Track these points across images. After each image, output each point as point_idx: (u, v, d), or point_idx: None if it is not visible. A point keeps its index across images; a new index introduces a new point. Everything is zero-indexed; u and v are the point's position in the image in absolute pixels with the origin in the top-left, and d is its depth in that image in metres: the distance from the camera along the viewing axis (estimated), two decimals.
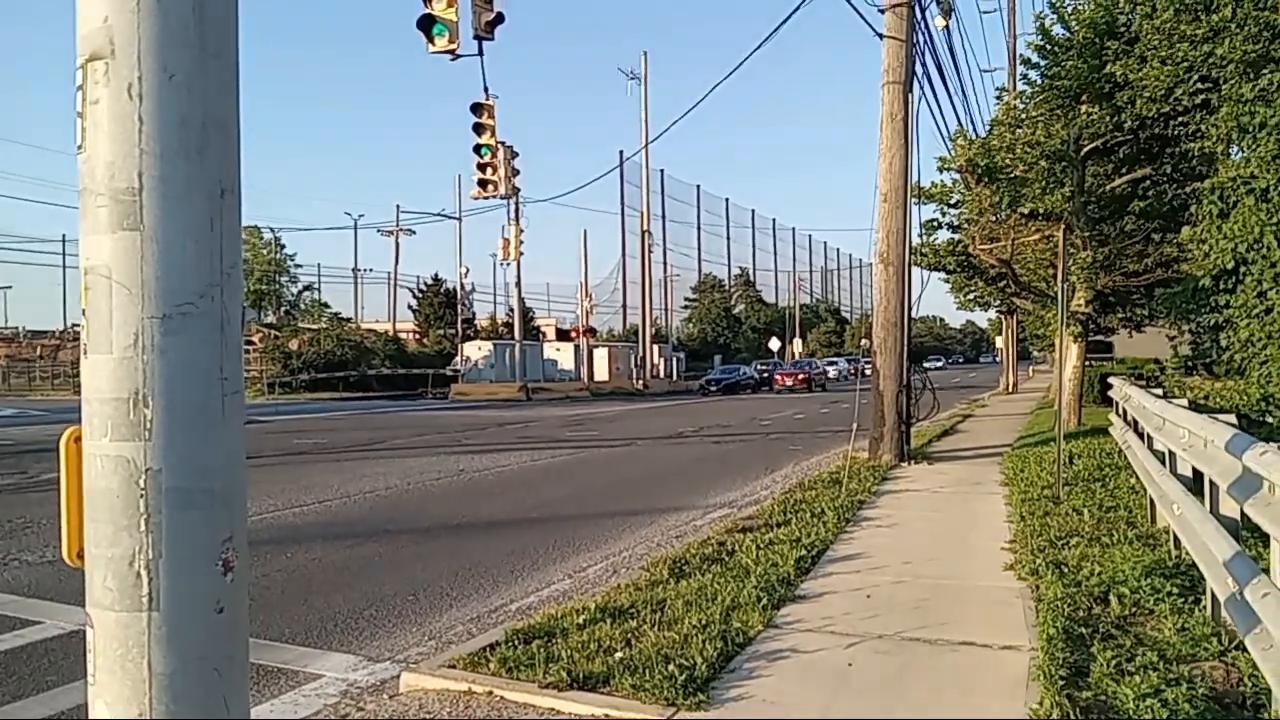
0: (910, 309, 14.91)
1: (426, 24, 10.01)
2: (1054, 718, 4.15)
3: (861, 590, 6.66)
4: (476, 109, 16.21)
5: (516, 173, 19.59)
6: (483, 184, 18.84)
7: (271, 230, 70.28)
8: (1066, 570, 6.80)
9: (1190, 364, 28.69)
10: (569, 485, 13.43)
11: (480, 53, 10.24)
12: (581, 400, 41.18)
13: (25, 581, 7.46)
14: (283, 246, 71.00)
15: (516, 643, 5.37)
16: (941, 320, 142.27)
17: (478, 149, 17.22)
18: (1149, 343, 32.37)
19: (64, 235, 66.01)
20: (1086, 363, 38.27)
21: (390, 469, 15.04)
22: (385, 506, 11.31)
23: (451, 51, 10.09)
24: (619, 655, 5.12)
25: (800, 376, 47.72)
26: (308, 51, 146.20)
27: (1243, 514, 4.65)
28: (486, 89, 16.06)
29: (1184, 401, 7.75)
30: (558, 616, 5.92)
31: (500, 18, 9.94)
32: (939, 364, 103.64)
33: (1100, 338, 40.47)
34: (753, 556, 7.51)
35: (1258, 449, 3.82)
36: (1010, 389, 41.59)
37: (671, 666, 4.83)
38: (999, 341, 50.41)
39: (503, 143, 18.59)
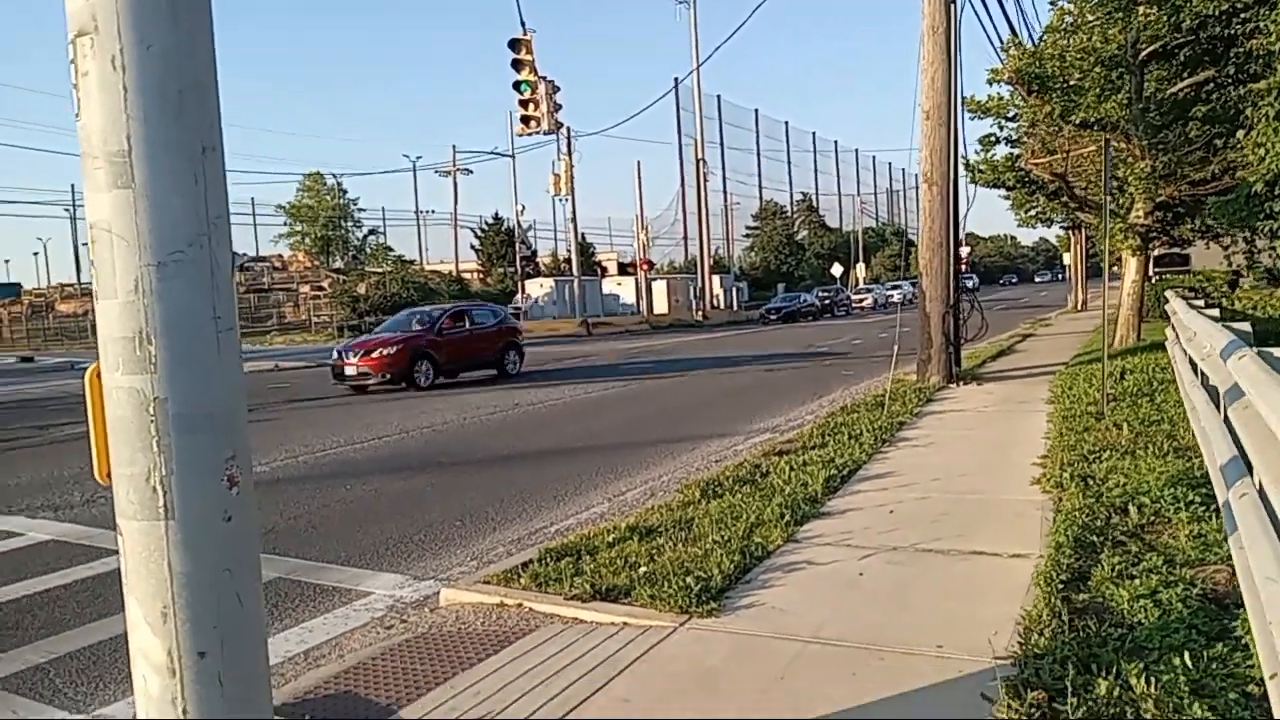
0: (957, 229, 14.72)
1: None
2: (1043, 617, 4.32)
3: (885, 506, 6.85)
4: (514, 45, 16.29)
5: (559, 107, 19.59)
6: (525, 120, 18.96)
7: (334, 176, 71.36)
8: (1092, 483, 6.88)
9: (1276, 274, 27.68)
10: (617, 416, 13.78)
11: None
12: (640, 333, 41.52)
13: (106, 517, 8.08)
14: (345, 192, 72.09)
15: (548, 560, 5.72)
16: (1012, 238, 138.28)
17: (518, 85, 17.34)
18: (1235, 257, 31.28)
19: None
20: (1160, 275, 37.09)
21: (448, 405, 15.58)
22: (440, 440, 11.80)
23: None
24: (643, 570, 5.43)
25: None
26: None
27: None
28: (524, 24, 16.08)
29: (1214, 312, 7.66)
30: (589, 536, 6.27)
31: None
32: (1046, 277, 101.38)
33: (1176, 250, 39.14)
34: (784, 477, 7.74)
35: (1237, 355, 3.88)
36: (1079, 306, 40.63)
37: (689, 579, 5.12)
38: (1066, 258, 49.04)
39: (544, 78, 18.61)
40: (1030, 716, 3.43)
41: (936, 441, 9.49)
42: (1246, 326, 5.76)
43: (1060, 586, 4.74)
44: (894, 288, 59.73)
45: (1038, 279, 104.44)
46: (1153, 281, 34.21)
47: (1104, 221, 10.82)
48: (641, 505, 7.48)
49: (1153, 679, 3.59)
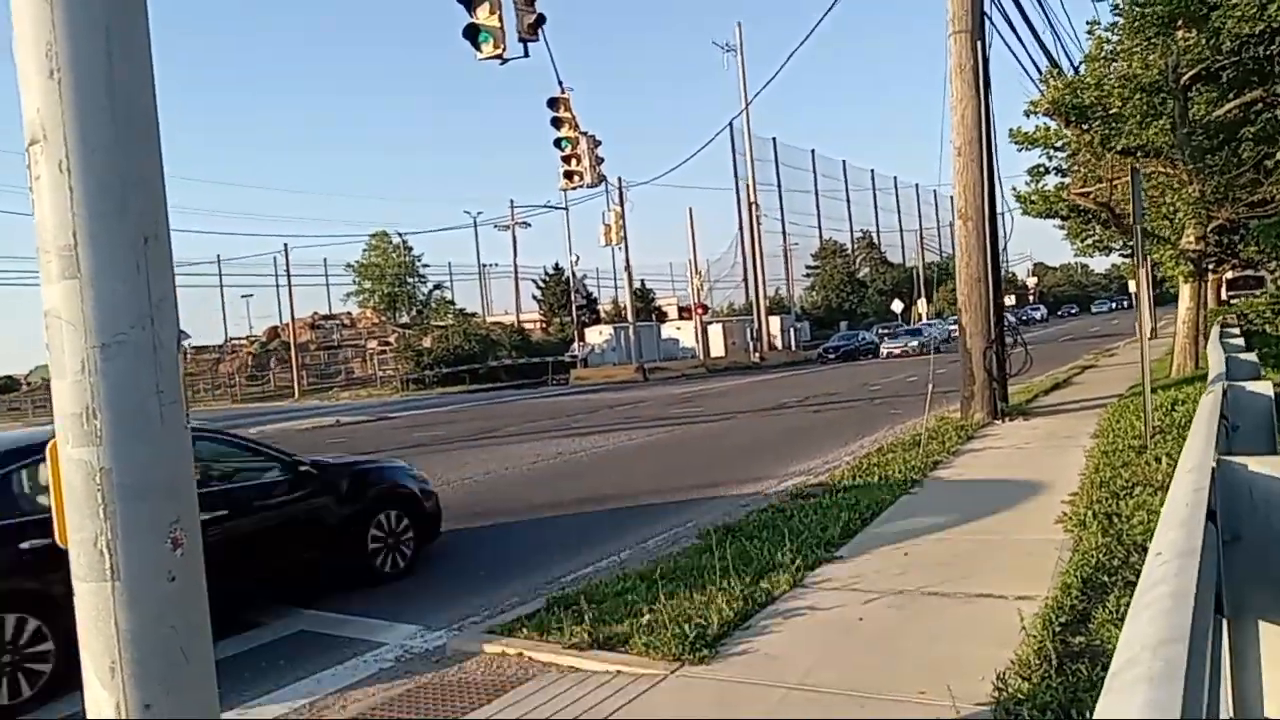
0: (997, 262, 14.56)
1: (471, 33, 10.52)
2: (1031, 661, 4.27)
3: (900, 548, 6.80)
4: (552, 104, 16.71)
5: (601, 160, 19.96)
6: (568, 175, 19.33)
7: (399, 234, 73.31)
8: (1116, 520, 6.74)
9: None
10: (656, 463, 13.85)
11: (526, 54, 10.66)
12: (696, 377, 41.54)
13: None
14: (410, 249, 73.94)
15: (554, 609, 5.83)
16: (1084, 267, 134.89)
17: (558, 143, 17.73)
18: None
19: (218, 255, 70.42)
20: (1230, 299, 35.77)
21: (494, 456, 15.84)
22: (478, 492, 12.01)
23: (499, 56, 10.56)
24: (645, 618, 5.50)
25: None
26: (410, 51, 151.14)
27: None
28: (561, 83, 16.51)
29: (1239, 341, 7.48)
30: (598, 585, 6.36)
31: (542, 19, 10.34)
32: (1105, 309, 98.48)
33: (1250, 272, 37.84)
34: (805, 521, 7.73)
35: (1210, 390, 3.84)
36: (1150, 334, 39.45)
37: (687, 626, 5.17)
38: (1132, 285, 47.76)
39: (584, 133, 18.99)
40: None
41: (968, 481, 9.36)
42: (1254, 356, 5.64)
43: (1058, 629, 4.67)
44: (955, 322, 58.83)
45: (1094, 309, 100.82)
46: (1227, 304, 33.14)
47: (1137, 248, 10.66)
48: (662, 552, 7.54)
49: None
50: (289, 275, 58.56)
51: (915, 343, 44.86)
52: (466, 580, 7.43)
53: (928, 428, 11.95)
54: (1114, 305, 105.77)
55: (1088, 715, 3.63)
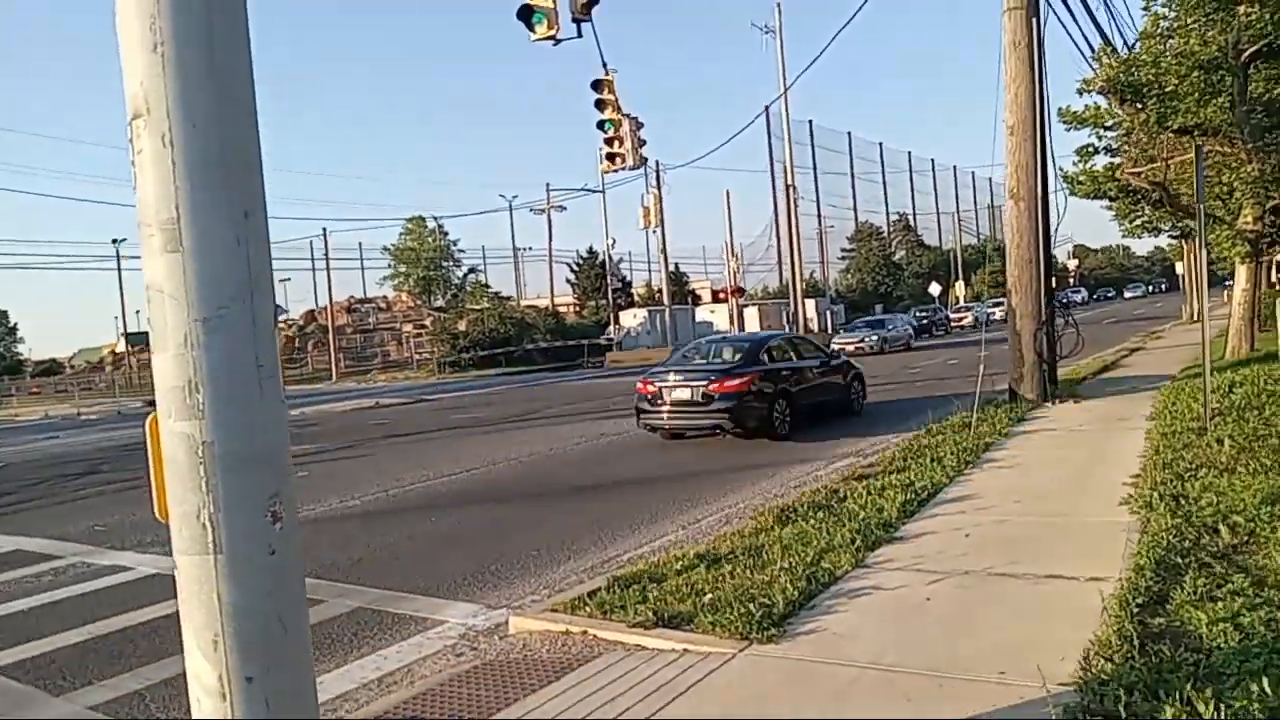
0: (1049, 245, 14.32)
1: (525, 14, 10.49)
2: (1113, 642, 4.19)
3: (961, 530, 6.72)
4: (596, 85, 16.63)
5: (643, 143, 19.85)
6: (610, 158, 19.26)
7: (435, 218, 73.70)
8: (1184, 502, 6.61)
9: None
10: (700, 444, 13.80)
11: (579, 34, 10.61)
12: None
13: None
14: (445, 234, 74.32)
15: (615, 588, 5.82)
16: (1125, 249, 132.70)
17: (601, 125, 17.66)
18: None
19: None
20: None
21: (536, 437, 15.90)
22: (525, 472, 12.07)
23: (552, 37, 10.53)
24: (708, 597, 5.47)
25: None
26: (451, 36, 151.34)
27: None
28: (605, 64, 16.43)
29: None
30: (658, 564, 6.35)
31: None
32: (1138, 293, 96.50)
33: None
34: (860, 502, 7.67)
35: None
36: (1195, 317, 38.70)
37: (752, 605, 5.14)
38: (1179, 267, 46.88)
39: (627, 115, 18.90)
40: None
41: (1023, 463, 9.23)
42: None
43: (1136, 610, 4.59)
44: (995, 304, 57.94)
45: (1127, 294, 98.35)
46: (1276, 287, 32.41)
47: (1200, 229, 10.40)
48: (715, 532, 7.52)
49: (1224, 705, 3.45)
50: (327, 259, 59.06)
51: (874, 337, 37.94)
52: (522, 559, 7.45)
53: (977, 410, 11.80)
54: (1150, 289, 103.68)
55: (1176, 696, 3.56)
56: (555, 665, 4.83)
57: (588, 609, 5.53)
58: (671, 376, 13.77)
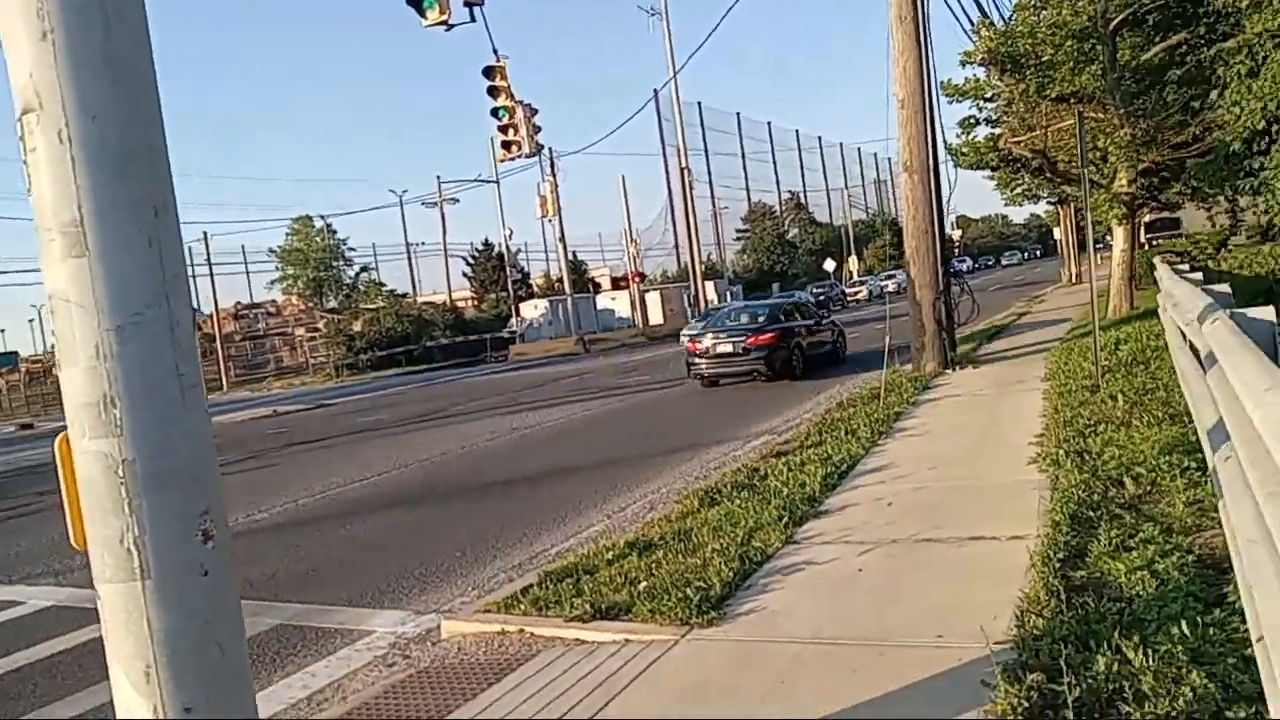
0: (942, 215, 14.77)
1: (416, 0, 10.21)
2: (1041, 597, 4.33)
3: (883, 499, 6.86)
4: (488, 72, 16.39)
5: (539, 130, 19.67)
6: (506, 145, 19.05)
7: (322, 218, 71.47)
8: (1088, 457, 6.90)
9: (1264, 231, 27.70)
10: (615, 431, 13.80)
11: (472, 19, 10.40)
12: (637, 346, 41.54)
13: None
14: (334, 232, 72.16)
15: (548, 583, 5.73)
16: (1003, 217, 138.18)
17: (495, 112, 17.43)
18: (1219, 217, 31.31)
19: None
20: (1151, 242, 37.02)
21: (446, 436, 15.61)
22: (439, 472, 11.82)
23: (444, 23, 10.29)
24: (643, 585, 5.44)
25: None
26: (325, 34, 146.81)
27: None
28: (496, 51, 16.19)
29: (1197, 276, 7.69)
30: (589, 555, 6.28)
31: None
32: (1015, 260, 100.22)
33: (1166, 214, 39.07)
34: (782, 479, 7.76)
35: (1210, 319, 3.90)
36: (1073, 280, 40.67)
37: (689, 590, 5.13)
38: (1057, 233, 49.13)
39: (521, 102, 18.69)
40: (1029, 699, 3.44)
41: (933, 430, 9.51)
42: (1225, 288, 5.78)
43: (1058, 565, 4.75)
44: (888, 277, 59.64)
45: (1005, 261, 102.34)
46: (1145, 248, 34.27)
47: (1084, 193, 10.89)
48: (641, 519, 7.50)
49: (1151, 651, 3.60)
50: (210, 264, 56.63)
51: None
52: (446, 561, 7.29)
53: (885, 381, 12.10)
54: (1025, 255, 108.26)
55: (1106, 644, 3.70)
56: (494, 667, 4.73)
57: (522, 606, 5.43)
58: (712, 337, 18.18)
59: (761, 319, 18.34)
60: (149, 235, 2.42)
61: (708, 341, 17.99)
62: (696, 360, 18.10)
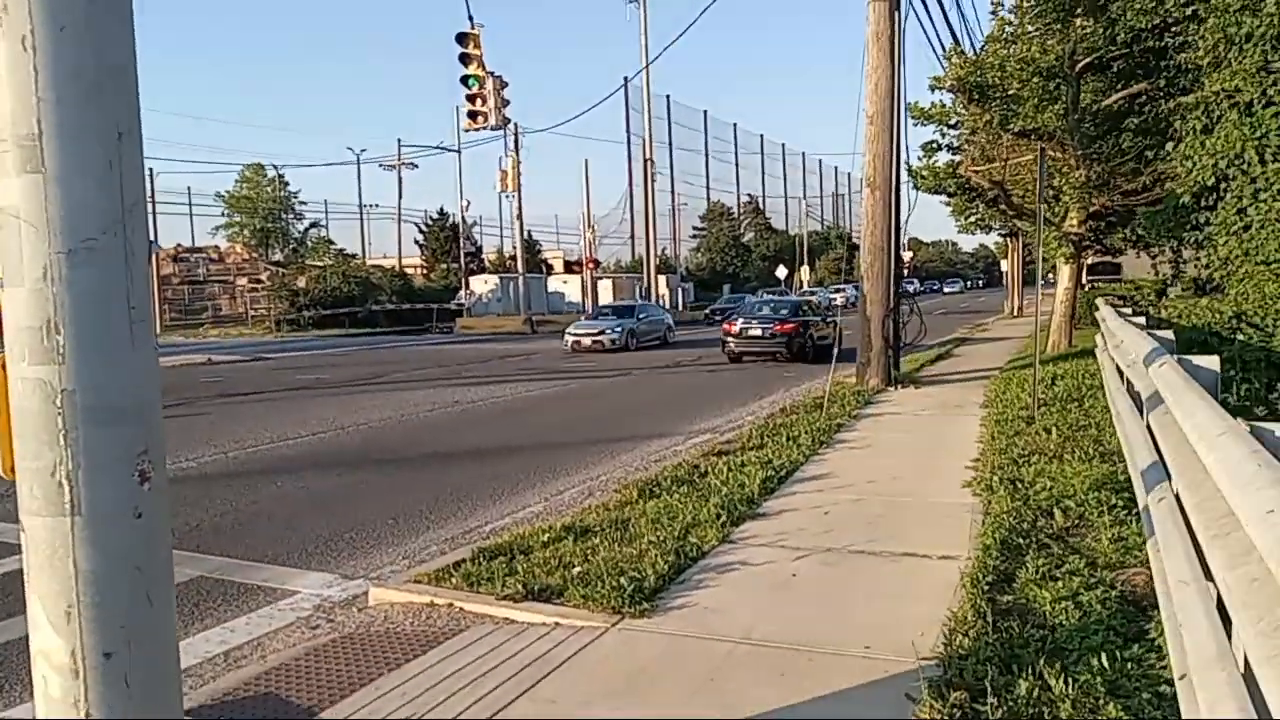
0: (899, 234, 14.95)
1: None
2: (968, 618, 4.40)
3: (821, 508, 6.92)
4: (461, 39, 16.14)
5: (507, 103, 19.46)
6: (473, 115, 18.82)
7: (275, 167, 69.91)
8: (1020, 486, 7.04)
9: (1201, 284, 28.59)
10: (559, 414, 13.73)
11: None
12: None
13: None
14: (286, 184, 70.66)
15: (481, 559, 5.67)
16: (953, 244, 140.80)
17: (465, 80, 17.20)
18: (1163, 266, 32.18)
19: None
20: (1091, 284, 38.01)
21: (387, 402, 15.38)
22: (377, 438, 11.63)
23: None
24: (577, 570, 5.41)
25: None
26: None
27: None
28: (471, 18, 16.00)
29: (1141, 320, 7.89)
30: (524, 536, 6.23)
31: None
32: (956, 288, 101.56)
33: (1108, 258, 40.15)
34: (722, 478, 7.78)
35: (1158, 362, 3.99)
36: (1015, 312, 41.58)
37: (623, 579, 5.11)
38: (1004, 265, 50.18)
39: (491, 73, 18.48)
40: (952, 716, 3.48)
41: (873, 444, 9.62)
42: (1170, 334, 5.94)
43: (986, 588, 4.84)
44: (837, 291, 60.38)
45: (947, 289, 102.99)
46: (1085, 289, 35.15)
47: (1039, 229, 11.09)
48: (578, 505, 7.46)
49: (1071, 679, 3.67)
50: (154, 203, 54.94)
51: (618, 330, 27.72)
52: (377, 528, 7.17)
53: (829, 392, 12.22)
54: (967, 285, 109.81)
55: (1028, 670, 3.77)
56: (421, 638, 4.65)
57: (453, 580, 5.36)
58: (744, 322, 22.68)
59: (784, 312, 22.88)
60: (110, 159, 2.30)
61: (740, 325, 22.40)
62: (729, 339, 22.30)
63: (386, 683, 4.10)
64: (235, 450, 10.67)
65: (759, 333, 21.93)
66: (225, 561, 6.30)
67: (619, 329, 27.75)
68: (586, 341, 27.25)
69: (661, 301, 53.58)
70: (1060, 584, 4.80)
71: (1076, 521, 6.11)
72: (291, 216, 72.81)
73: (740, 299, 53.51)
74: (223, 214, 70.33)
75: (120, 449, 2.34)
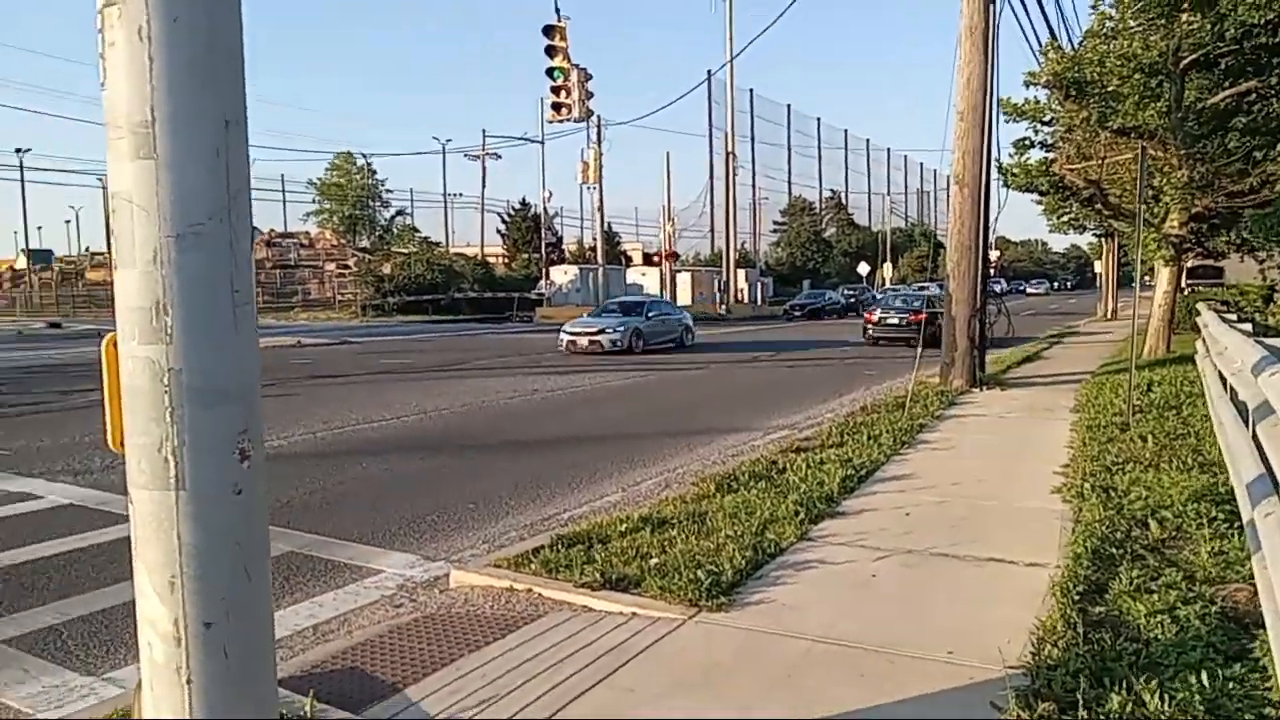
0: (987, 233, 14.56)
1: None
2: (1058, 628, 4.26)
3: (902, 509, 6.79)
4: (548, 31, 16.27)
5: (591, 95, 19.53)
6: (556, 107, 18.94)
7: (364, 156, 71.66)
8: (1113, 494, 6.79)
9: None
10: (635, 405, 13.77)
11: None
12: None
13: None
14: (374, 173, 72.38)
15: (560, 546, 5.72)
16: (1043, 244, 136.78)
17: (550, 72, 17.33)
18: (1271, 271, 30.72)
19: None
20: (1191, 288, 36.54)
21: (469, 388, 15.63)
22: (459, 423, 11.84)
23: None
24: (654, 561, 5.42)
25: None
26: None
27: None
28: (558, 10, 16.09)
29: (1247, 327, 7.53)
30: (602, 525, 6.26)
31: None
32: (1041, 289, 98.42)
33: (1210, 262, 38.50)
34: (800, 475, 7.69)
35: (1269, 371, 3.80)
36: (1109, 315, 40.17)
37: (700, 572, 5.09)
38: (1098, 266, 48.49)
39: (577, 66, 18.57)
40: None
41: (957, 446, 9.40)
42: (1278, 341, 5.63)
43: (1077, 597, 4.68)
44: (920, 289, 59.29)
45: (1030, 290, 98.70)
46: (1185, 293, 33.77)
47: (1138, 230, 10.67)
48: (655, 496, 7.46)
49: (1167, 696, 3.53)
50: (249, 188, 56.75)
51: (620, 329, 24.06)
52: (459, 511, 7.29)
53: (911, 392, 11.99)
54: (1053, 285, 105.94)
55: (1121, 684, 3.63)
56: (500, 622, 4.71)
57: (532, 566, 5.41)
58: (882, 311, 26.51)
59: (916, 304, 25.55)
60: (217, 146, 2.38)
61: (879, 315, 26.30)
62: (870, 327, 26.08)
63: (467, 663, 4.16)
64: (323, 431, 10.99)
65: (896, 321, 25.52)
66: (314, 538, 6.49)
67: (622, 328, 23.87)
68: (582, 342, 23.49)
69: (740, 296, 53.28)
70: (1156, 597, 4.62)
71: (1174, 533, 5.87)
72: (378, 204, 74.59)
73: (820, 294, 52.98)
74: (313, 201, 72.44)
75: (222, 428, 2.41)
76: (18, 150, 62.41)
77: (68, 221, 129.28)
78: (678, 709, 3.68)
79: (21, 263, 68.86)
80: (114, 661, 4.45)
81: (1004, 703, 3.56)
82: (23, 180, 63.92)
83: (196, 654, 2.38)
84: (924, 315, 23.28)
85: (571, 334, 24.09)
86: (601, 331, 23.64)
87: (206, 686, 2.39)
